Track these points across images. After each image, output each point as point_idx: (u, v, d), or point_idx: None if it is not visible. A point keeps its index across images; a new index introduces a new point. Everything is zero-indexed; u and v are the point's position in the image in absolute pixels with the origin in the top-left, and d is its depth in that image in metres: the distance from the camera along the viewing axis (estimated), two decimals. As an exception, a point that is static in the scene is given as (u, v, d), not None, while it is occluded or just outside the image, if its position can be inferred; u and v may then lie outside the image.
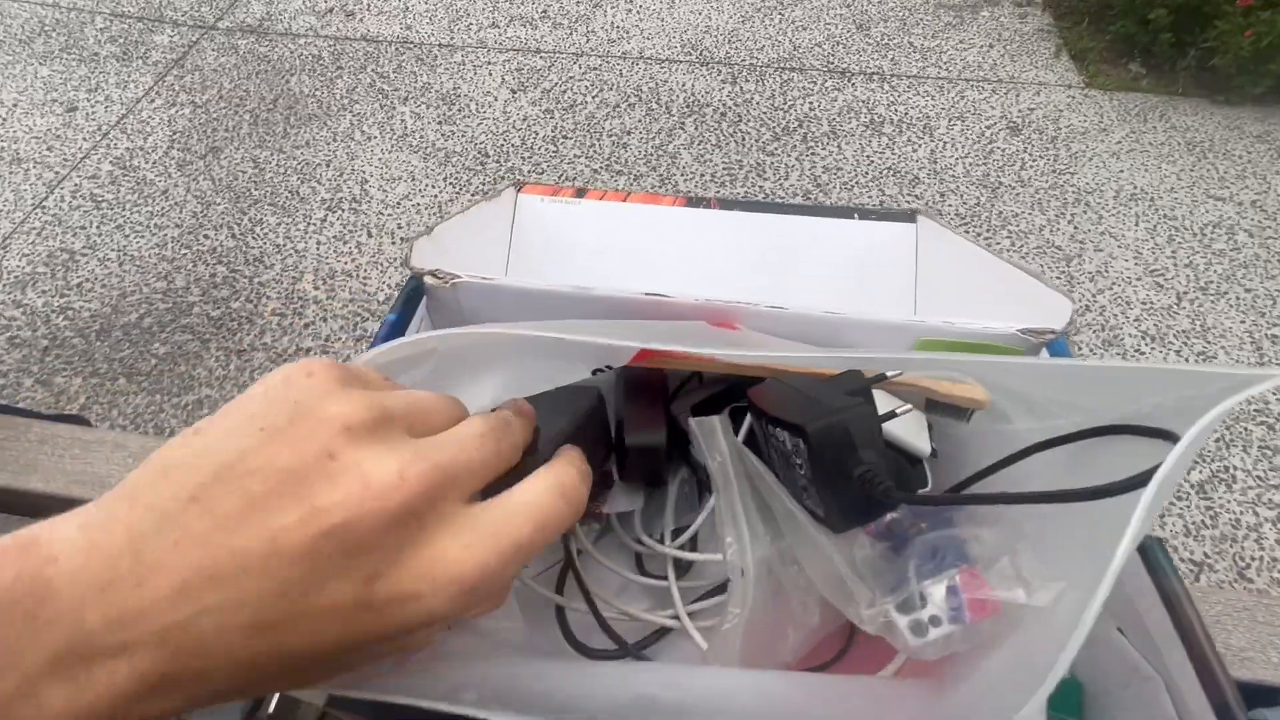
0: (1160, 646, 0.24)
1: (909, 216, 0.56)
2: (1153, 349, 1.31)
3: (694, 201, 0.55)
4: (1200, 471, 1.16)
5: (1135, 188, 1.60)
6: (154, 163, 1.64)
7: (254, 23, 2.05)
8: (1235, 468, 1.16)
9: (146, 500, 0.15)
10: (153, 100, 1.80)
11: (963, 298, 0.45)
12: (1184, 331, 1.34)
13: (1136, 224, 1.53)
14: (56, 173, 1.62)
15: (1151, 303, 1.39)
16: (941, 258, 0.50)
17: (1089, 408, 0.23)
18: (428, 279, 0.32)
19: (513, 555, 0.17)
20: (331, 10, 2.10)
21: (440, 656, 0.24)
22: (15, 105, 1.78)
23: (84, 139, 1.70)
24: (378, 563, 0.15)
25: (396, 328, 0.30)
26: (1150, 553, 0.25)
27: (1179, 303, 1.39)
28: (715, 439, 0.21)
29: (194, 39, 1.99)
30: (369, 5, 2.12)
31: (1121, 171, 1.64)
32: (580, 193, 0.54)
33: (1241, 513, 1.12)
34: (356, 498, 0.15)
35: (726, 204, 0.55)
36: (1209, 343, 1.33)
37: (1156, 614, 0.24)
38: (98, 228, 1.50)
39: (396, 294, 0.32)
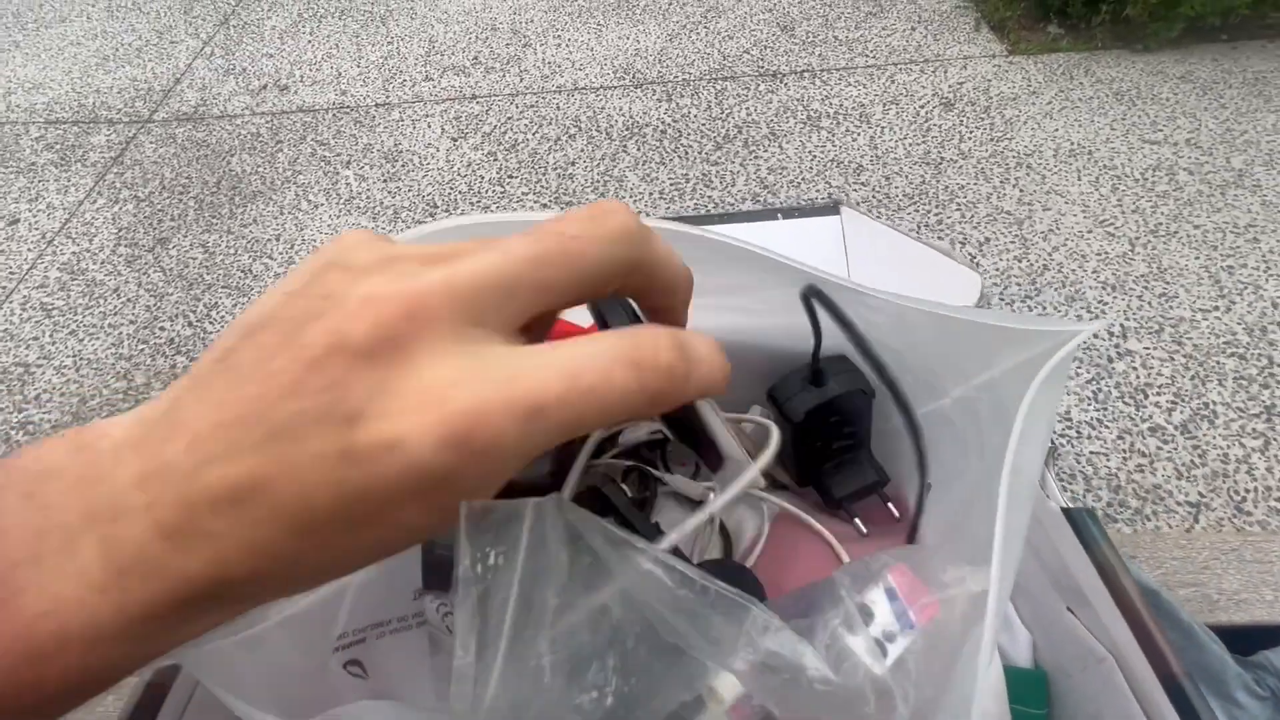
0: (1106, 622, 0.23)
1: (832, 209, 0.56)
2: (1114, 298, 1.32)
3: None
4: (1180, 411, 1.16)
5: (1072, 144, 1.63)
6: (101, 262, 1.63)
7: (189, 110, 2.06)
8: (1214, 403, 1.17)
9: (191, 370, 0.15)
10: (95, 201, 1.79)
11: (888, 284, 0.45)
12: (1142, 276, 1.36)
13: (1079, 178, 1.55)
14: (3, 287, 1.60)
15: (1106, 253, 1.40)
16: (866, 245, 0.50)
17: (968, 373, 0.23)
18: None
19: (526, 412, 0.13)
20: (265, 87, 2.11)
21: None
22: (-44, 226, 1.76)
23: (29, 249, 1.68)
24: (361, 400, 0.13)
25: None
26: (1080, 523, 0.24)
27: (1133, 249, 1.41)
28: (515, 528, 0.16)
29: (131, 134, 1.99)
30: (302, 77, 2.13)
31: (1057, 130, 1.67)
32: (501, 234, 0.53)
33: (1229, 447, 1.12)
34: (334, 325, 0.13)
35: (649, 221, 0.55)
36: (1168, 283, 1.34)
37: (1097, 588, 0.23)
38: (50, 336, 1.48)
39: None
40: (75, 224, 1.73)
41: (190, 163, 1.87)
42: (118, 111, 2.08)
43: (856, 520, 0.36)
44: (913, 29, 2.03)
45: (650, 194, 1.63)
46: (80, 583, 0.13)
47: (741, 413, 0.38)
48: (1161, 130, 1.64)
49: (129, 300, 1.54)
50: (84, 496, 0.14)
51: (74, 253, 1.66)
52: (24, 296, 1.57)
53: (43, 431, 1.32)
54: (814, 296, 0.27)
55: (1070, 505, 0.30)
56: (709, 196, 1.61)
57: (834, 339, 0.35)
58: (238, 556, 0.13)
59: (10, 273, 1.63)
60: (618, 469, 0.37)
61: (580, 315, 0.41)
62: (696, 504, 0.36)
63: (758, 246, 0.26)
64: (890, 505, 0.36)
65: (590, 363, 0.14)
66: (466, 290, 0.14)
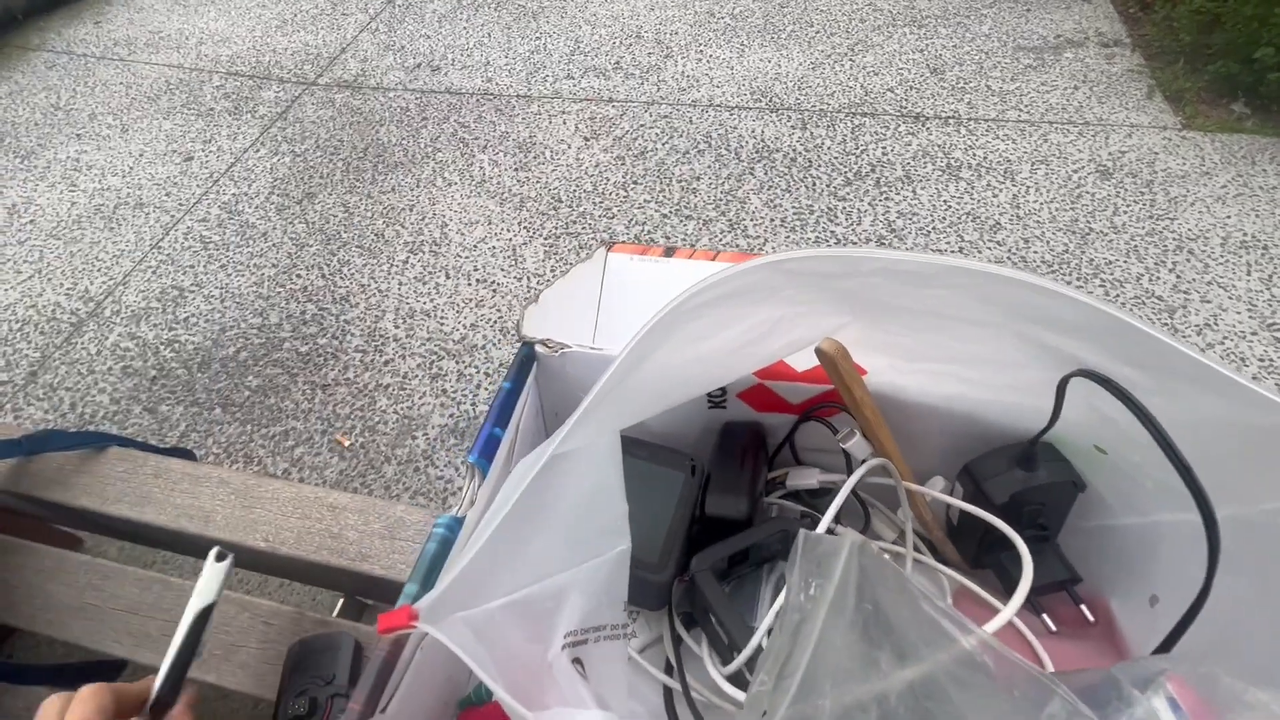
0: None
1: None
2: (1275, 411, 1.19)
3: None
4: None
5: (1245, 235, 1.49)
6: (256, 207, 1.77)
7: (350, 78, 2.22)
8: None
9: None
10: (258, 150, 1.96)
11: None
12: (1311, 393, 1.22)
13: (1249, 274, 1.41)
14: (172, 216, 1.77)
15: (1272, 360, 1.27)
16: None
17: (1263, 493, 0.21)
18: (539, 348, 0.32)
19: None
20: (419, 66, 2.24)
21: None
22: (141, 155, 1.97)
23: (197, 185, 1.86)
24: None
25: (512, 395, 0.30)
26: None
27: (1304, 361, 1.26)
28: (833, 562, 0.18)
29: (296, 94, 2.17)
30: (453, 61, 2.25)
31: (1229, 217, 1.53)
32: (669, 252, 0.53)
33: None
34: None
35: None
36: (1342, 406, 1.20)
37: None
38: (205, 266, 1.63)
39: (511, 359, 0.32)
40: (239, 169, 1.90)
41: (344, 127, 2.02)
42: (288, 72, 2.27)
43: (1044, 616, 0.33)
44: (1075, 88, 1.92)
45: (772, 220, 1.62)
46: None
47: (921, 482, 0.36)
48: (1356, 235, 1.47)
49: (274, 245, 1.67)
50: None
51: (234, 194, 1.82)
52: (187, 228, 1.74)
53: (186, 352, 1.45)
54: (1104, 385, 0.25)
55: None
56: (832, 231, 1.57)
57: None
58: None
59: (180, 204, 1.80)
60: (792, 514, 0.36)
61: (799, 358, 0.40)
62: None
63: (1135, 318, 0.24)
64: (1084, 607, 0.33)
65: None
66: None
